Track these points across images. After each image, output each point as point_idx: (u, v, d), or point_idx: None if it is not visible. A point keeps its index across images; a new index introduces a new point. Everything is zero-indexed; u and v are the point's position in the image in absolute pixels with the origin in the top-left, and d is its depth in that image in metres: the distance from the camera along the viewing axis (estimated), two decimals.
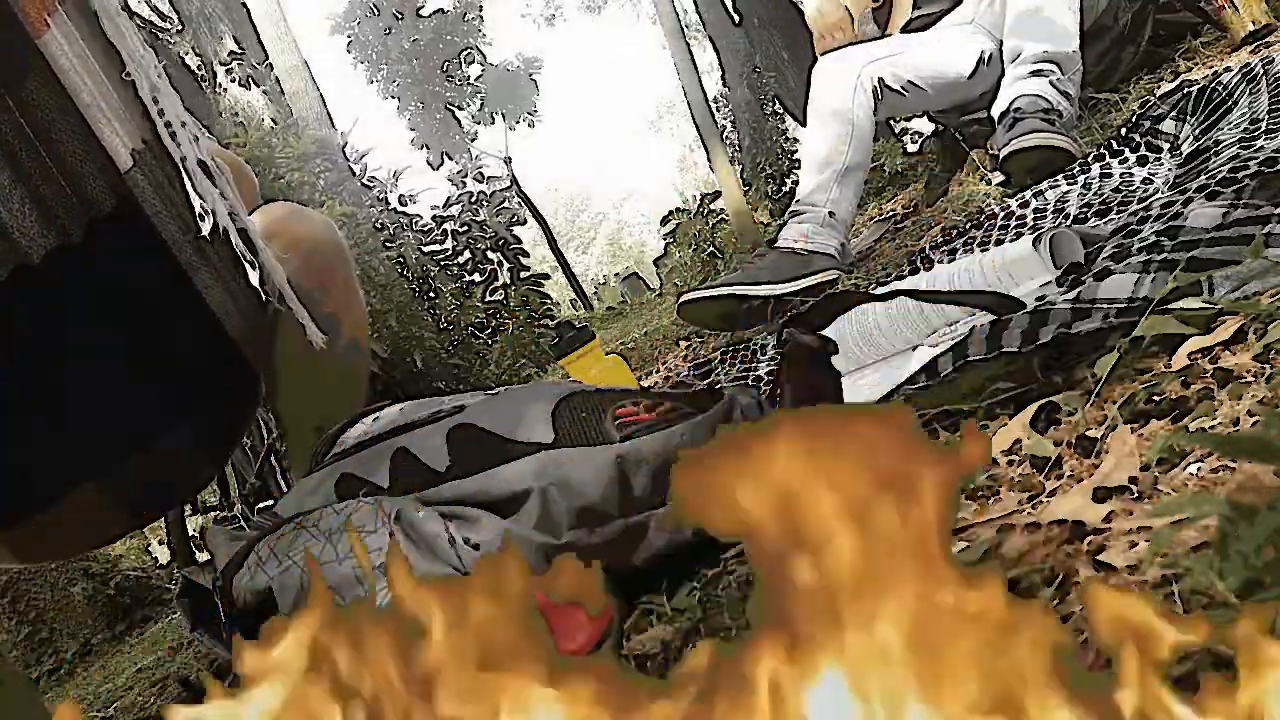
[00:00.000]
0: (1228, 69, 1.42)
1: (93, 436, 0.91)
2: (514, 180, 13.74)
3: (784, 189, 6.30)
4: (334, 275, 1.25)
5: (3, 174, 0.81)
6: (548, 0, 23.73)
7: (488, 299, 6.65)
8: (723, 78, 7.95)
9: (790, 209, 2.22)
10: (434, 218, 7.04)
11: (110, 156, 0.87)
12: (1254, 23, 1.90)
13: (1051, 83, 1.96)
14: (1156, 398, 0.68)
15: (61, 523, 0.92)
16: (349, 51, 16.14)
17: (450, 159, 15.06)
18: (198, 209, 0.94)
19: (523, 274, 7.07)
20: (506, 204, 7.60)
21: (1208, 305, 0.75)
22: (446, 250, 6.86)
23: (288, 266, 1.10)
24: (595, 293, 15.19)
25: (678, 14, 8.02)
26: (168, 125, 0.92)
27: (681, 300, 2.18)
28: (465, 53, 15.97)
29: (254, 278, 1.00)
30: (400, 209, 6.54)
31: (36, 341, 0.87)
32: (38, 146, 0.83)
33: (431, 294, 5.49)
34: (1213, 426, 0.60)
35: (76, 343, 0.88)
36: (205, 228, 0.95)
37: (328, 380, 1.21)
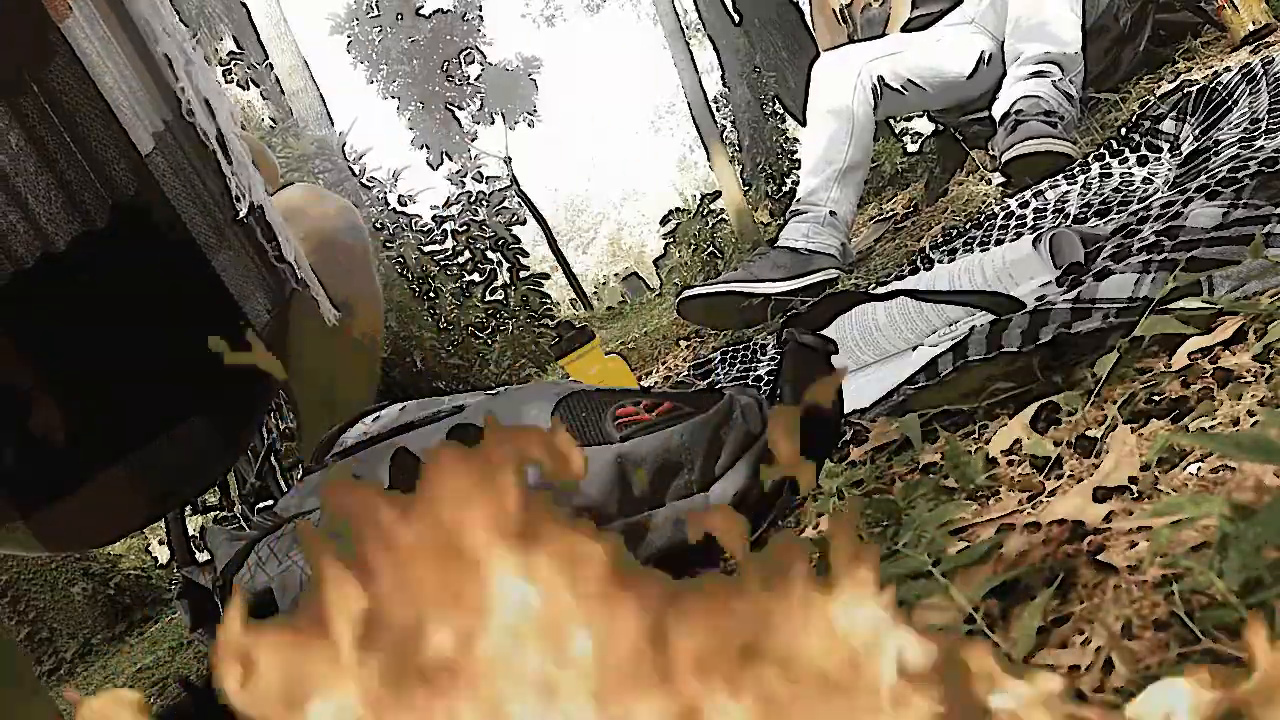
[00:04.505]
0: (1228, 69, 1.42)
1: (117, 422, 0.91)
2: (514, 180, 13.74)
3: (784, 189, 6.30)
4: (351, 259, 1.25)
5: (29, 160, 0.81)
6: (548, 0, 23.75)
7: (488, 299, 6.65)
8: (723, 78, 7.94)
9: (791, 208, 2.23)
10: (434, 218, 7.03)
11: (132, 140, 0.87)
12: (1254, 23, 1.91)
13: (1053, 83, 1.96)
14: (1156, 398, 0.68)
15: (85, 510, 0.92)
16: (349, 51, 16.15)
17: (450, 159, 15.06)
18: (233, 189, 0.94)
19: (523, 274, 7.07)
20: (506, 204, 7.59)
21: (1208, 305, 0.75)
22: (446, 250, 6.86)
23: (304, 249, 1.10)
24: (595, 293, 15.19)
25: (678, 14, 8.03)
26: (198, 97, 0.92)
27: (681, 297, 2.18)
28: (465, 53, 15.97)
29: (272, 257, 1.00)
30: (400, 209, 6.54)
31: (63, 327, 0.87)
32: (62, 131, 0.83)
33: (431, 294, 5.49)
34: (1213, 426, 0.60)
35: (101, 328, 0.88)
36: (242, 208, 0.95)
37: (343, 364, 1.21)
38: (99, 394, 0.89)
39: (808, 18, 3.01)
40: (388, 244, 5.43)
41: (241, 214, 0.95)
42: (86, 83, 0.84)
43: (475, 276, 6.88)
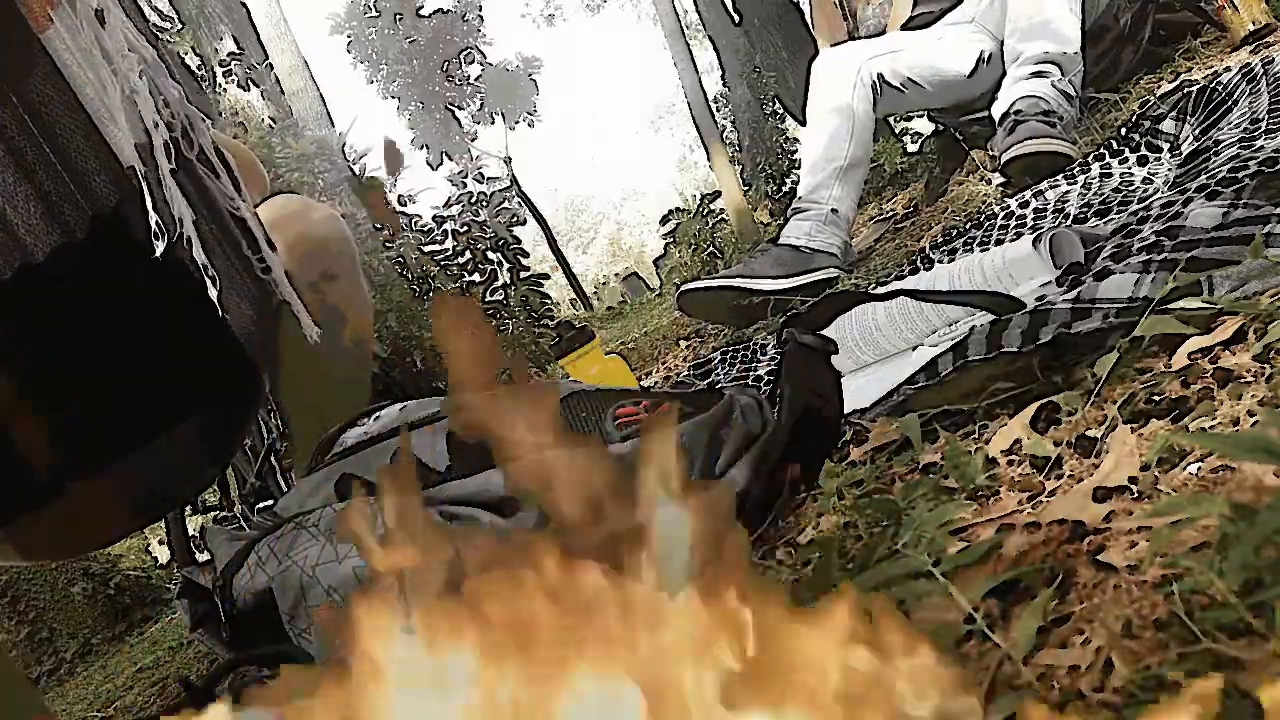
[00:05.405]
0: (1228, 69, 1.42)
1: (96, 434, 0.91)
2: (514, 180, 13.74)
3: (784, 189, 6.31)
4: (339, 268, 1.26)
5: (7, 172, 0.81)
6: (548, 0, 23.74)
7: (488, 299, 6.65)
8: (723, 78, 7.95)
9: (792, 207, 2.23)
10: (434, 218, 7.03)
11: (113, 152, 0.86)
12: (1254, 23, 1.91)
13: (1052, 83, 1.96)
14: (1156, 398, 0.68)
15: (64, 520, 0.91)
16: (349, 51, 16.16)
17: (450, 159, 15.09)
18: (176, 213, 0.92)
19: (523, 274, 7.06)
20: (506, 204, 7.58)
21: (1208, 305, 0.75)
22: (446, 250, 6.86)
23: (292, 258, 1.09)
24: (595, 293, 15.19)
25: (678, 14, 8.03)
26: (155, 125, 0.91)
27: (681, 290, 2.18)
28: (465, 53, 15.99)
29: (258, 269, 1.00)
30: (400, 209, 6.53)
31: (40, 340, 0.87)
32: (41, 143, 0.83)
33: (431, 294, 5.48)
34: (1213, 426, 0.60)
35: (80, 340, 0.88)
36: (159, 247, 0.90)
37: (332, 373, 1.22)
38: (77, 404, 0.89)
39: (808, 18, 3.01)
40: (388, 244, 5.43)
41: (176, 238, 0.92)
42: (67, 94, 0.84)
43: (475, 277, 6.88)
